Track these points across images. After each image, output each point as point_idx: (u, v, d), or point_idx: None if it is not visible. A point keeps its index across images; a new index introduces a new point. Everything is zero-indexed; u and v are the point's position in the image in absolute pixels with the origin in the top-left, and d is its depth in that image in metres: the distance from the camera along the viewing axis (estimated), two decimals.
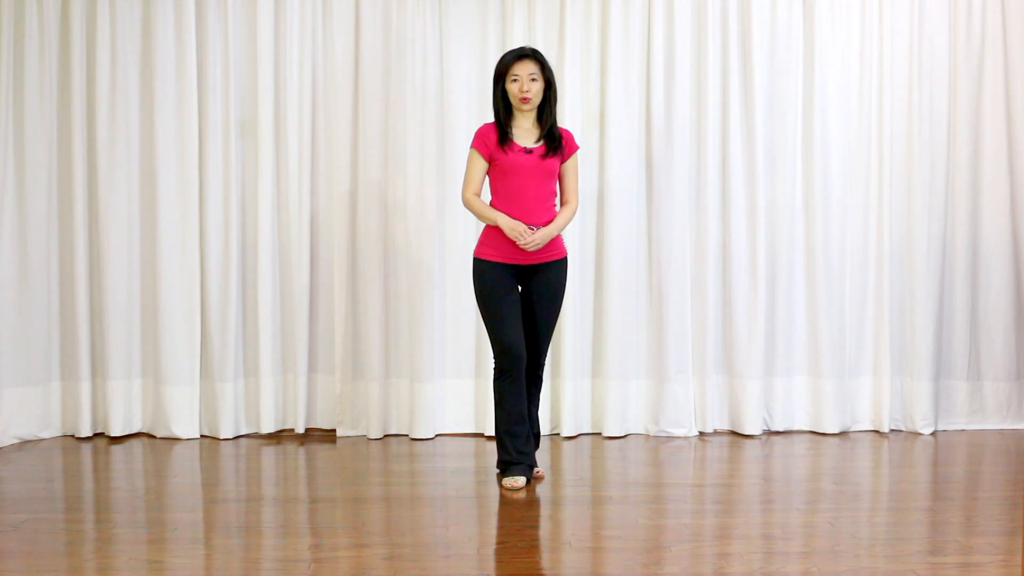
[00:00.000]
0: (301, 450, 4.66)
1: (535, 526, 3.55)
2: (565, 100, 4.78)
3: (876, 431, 4.97)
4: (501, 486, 3.98)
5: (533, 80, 3.93)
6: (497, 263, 3.96)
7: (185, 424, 4.85)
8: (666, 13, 4.86)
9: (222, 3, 4.80)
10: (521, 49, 3.99)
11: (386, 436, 4.89)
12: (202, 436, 4.89)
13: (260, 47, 4.81)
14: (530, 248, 3.90)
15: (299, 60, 4.83)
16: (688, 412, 4.90)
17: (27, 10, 4.74)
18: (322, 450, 4.66)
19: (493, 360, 4.03)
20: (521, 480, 3.95)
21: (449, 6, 4.86)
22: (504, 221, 3.90)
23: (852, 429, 4.98)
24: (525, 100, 3.92)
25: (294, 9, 4.82)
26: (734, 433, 4.95)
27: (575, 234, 4.80)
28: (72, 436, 4.86)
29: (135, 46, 4.82)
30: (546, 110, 3.99)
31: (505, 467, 4.00)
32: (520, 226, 3.88)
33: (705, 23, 4.86)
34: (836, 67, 4.92)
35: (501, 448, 4.01)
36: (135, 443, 4.78)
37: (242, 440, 4.84)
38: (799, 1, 4.91)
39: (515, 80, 3.93)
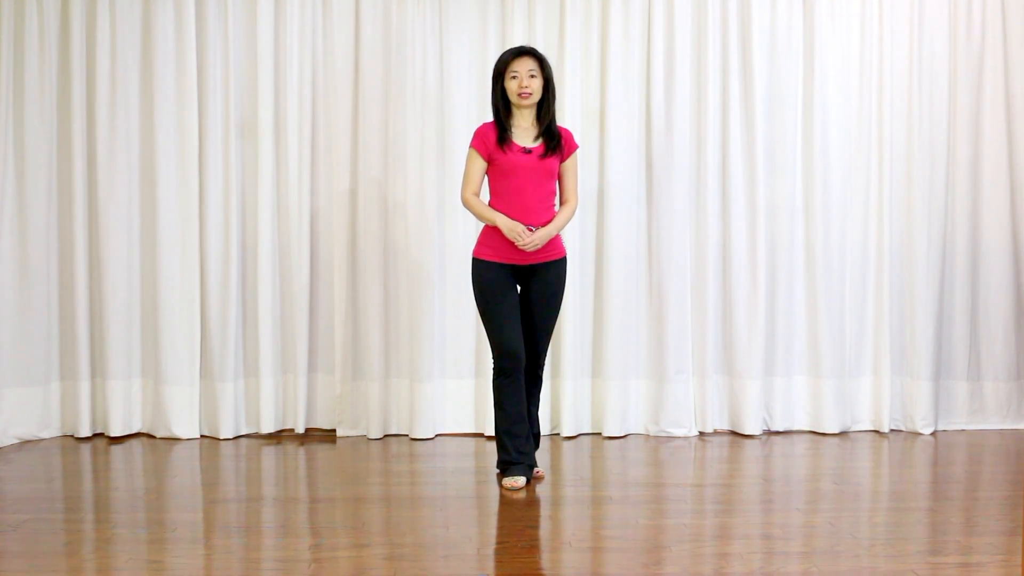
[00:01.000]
0: (301, 450, 4.66)
1: (535, 526, 3.55)
2: (565, 100, 4.78)
3: (876, 431, 4.97)
4: (501, 486, 3.98)
5: (532, 77, 3.93)
6: (496, 263, 3.96)
7: (185, 424, 4.84)
8: (666, 13, 4.86)
9: (222, 3, 4.80)
10: (519, 47, 3.99)
11: (386, 436, 4.89)
12: (202, 436, 4.89)
13: (260, 47, 4.81)
14: (528, 248, 3.89)
15: (299, 60, 4.83)
16: (688, 412, 4.90)
17: (27, 10, 4.74)
18: (322, 450, 4.66)
19: (492, 360, 4.03)
20: (521, 480, 3.95)
21: (449, 6, 4.86)
22: (503, 221, 3.90)
23: (852, 429, 4.98)
24: (525, 96, 3.91)
25: (294, 9, 4.82)
26: (734, 433, 4.95)
27: (575, 234, 4.80)
28: (72, 436, 4.86)
29: (135, 46, 4.82)
30: (544, 108, 3.99)
31: (505, 467, 4.00)
32: (518, 226, 3.88)
33: (705, 23, 4.86)
34: (836, 67, 4.92)
35: (501, 448, 4.01)
36: (135, 443, 4.78)
37: (242, 440, 4.84)
38: (799, 1, 4.91)
39: (514, 77, 3.93)
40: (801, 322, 4.96)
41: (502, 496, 3.88)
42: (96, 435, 4.88)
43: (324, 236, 4.90)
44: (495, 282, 3.95)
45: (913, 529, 3.48)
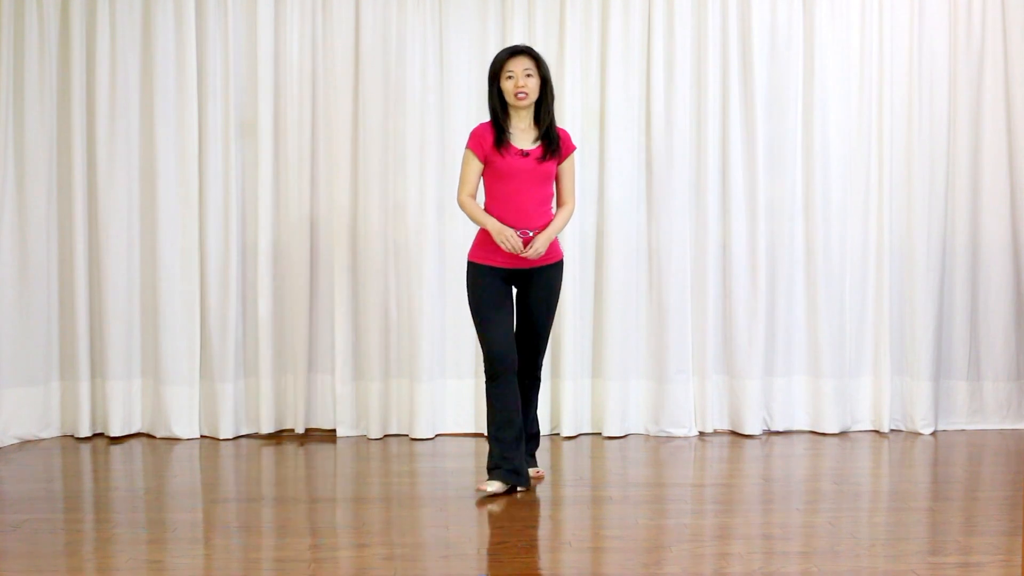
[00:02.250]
0: (301, 450, 4.66)
1: (535, 526, 3.55)
2: (565, 100, 4.77)
3: (876, 431, 4.97)
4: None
5: (529, 76, 3.85)
6: (491, 267, 3.90)
7: (185, 424, 4.84)
8: (666, 13, 4.86)
9: (222, 3, 4.79)
10: (515, 46, 3.94)
11: (386, 436, 4.89)
12: (202, 436, 4.88)
13: (260, 47, 4.81)
14: (531, 256, 3.84)
15: (299, 60, 4.83)
16: (688, 412, 4.90)
17: (27, 10, 4.73)
18: (322, 450, 4.66)
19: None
20: (494, 486, 3.85)
21: (449, 6, 4.86)
22: (492, 226, 3.83)
23: (852, 429, 4.98)
24: (521, 96, 3.84)
25: (294, 9, 4.82)
26: (734, 433, 4.94)
27: (575, 234, 4.80)
28: (72, 436, 4.85)
29: (135, 46, 4.81)
30: (543, 109, 3.92)
31: (489, 471, 3.95)
32: (507, 231, 3.81)
33: (705, 23, 4.86)
34: (836, 67, 4.92)
35: (489, 451, 3.98)
36: (135, 443, 4.78)
37: (242, 440, 4.83)
38: (799, 1, 4.91)
39: (510, 77, 3.86)
40: (801, 322, 4.95)
41: (502, 496, 3.87)
42: (96, 435, 4.87)
43: (324, 236, 4.90)
44: (489, 287, 3.89)
45: (913, 529, 3.48)
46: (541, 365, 4.13)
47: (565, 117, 4.75)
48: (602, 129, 4.87)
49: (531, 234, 3.86)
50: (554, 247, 3.97)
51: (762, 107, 4.88)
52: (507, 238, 3.80)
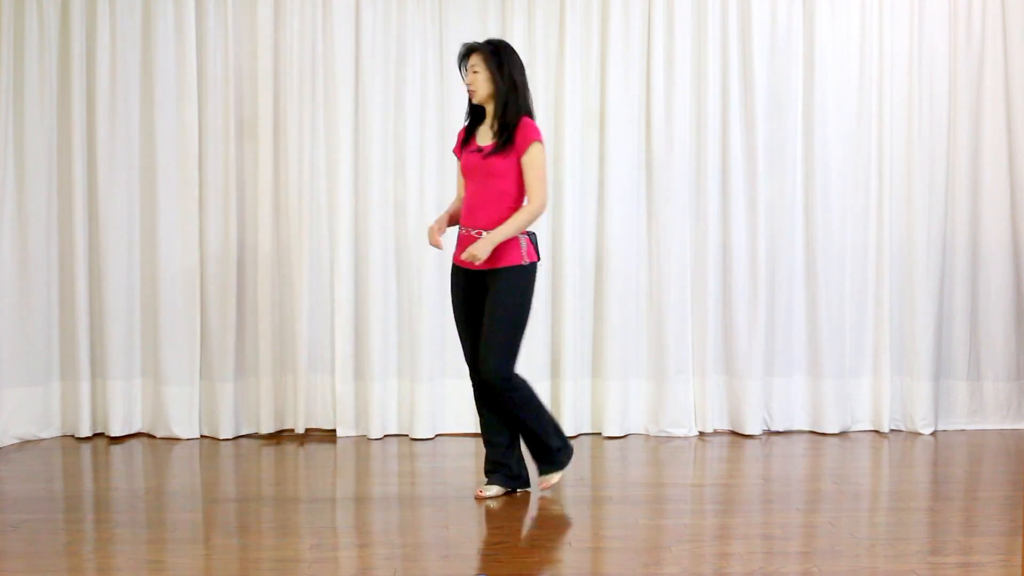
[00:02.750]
0: (301, 450, 4.66)
1: (535, 526, 3.55)
2: (565, 100, 4.78)
3: (876, 431, 4.97)
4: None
5: (475, 72, 3.76)
6: (455, 266, 3.88)
7: (185, 424, 4.84)
8: (666, 13, 4.86)
9: (222, 3, 4.79)
10: (465, 44, 3.85)
11: (386, 436, 4.89)
12: (202, 436, 4.88)
13: (260, 47, 4.81)
14: (466, 259, 3.66)
15: (299, 60, 4.83)
16: (688, 412, 4.90)
17: (27, 10, 4.73)
18: (322, 450, 4.66)
19: None
20: (492, 490, 3.85)
21: (449, 6, 4.86)
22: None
23: (852, 429, 4.98)
24: (470, 93, 3.79)
25: (294, 9, 4.81)
26: (734, 433, 4.94)
27: (574, 234, 4.81)
28: (72, 436, 4.85)
29: (135, 46, 4.81)
30: (497, 103, 3.76)
31: (487, 474, 3.93)
32: (430, 229, 3.82)
33: (705, 23, 4.86)
34: (836, 67, 4.92)
35: (485, 456, 3.93)
36: (135, 443, 4.78)
37: (242, 440, 4.83)
38: (799, 1, 4.91)
39: (465, 75, 3.84)
40: (801, 322, 4.95)
41: (502, 496, 3.87)
42: (96, 435, 4.87)
43: (324, 236, 4.89)
44: (454, 289, 3.89)
45: (913, 529, 3.48)
46: (493, 371, 3.68)
47: (565, 117, 4.76)
48: (602, 129, 4.87)
49: (473, 234, 3.74)
50: (507, 252, 3.72)
51: (762, 107, 4.88)
52: (427, 233, 3.84)
